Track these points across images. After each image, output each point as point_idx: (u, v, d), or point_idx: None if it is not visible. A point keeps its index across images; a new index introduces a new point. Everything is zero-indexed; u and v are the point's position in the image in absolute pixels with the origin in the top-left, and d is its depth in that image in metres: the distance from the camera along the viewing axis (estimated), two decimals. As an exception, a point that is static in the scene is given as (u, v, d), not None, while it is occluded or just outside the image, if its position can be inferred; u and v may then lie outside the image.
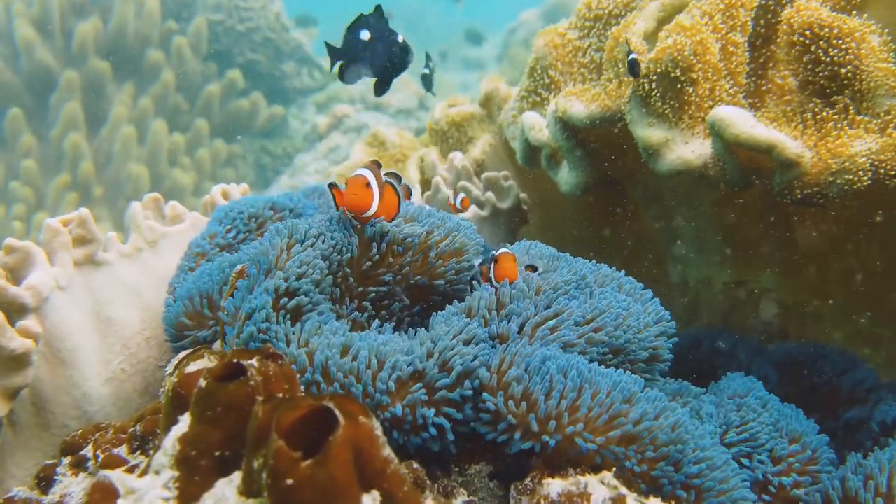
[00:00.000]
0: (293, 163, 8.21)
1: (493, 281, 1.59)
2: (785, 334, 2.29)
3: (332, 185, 1.69)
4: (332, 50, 2.05)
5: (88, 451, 1.79)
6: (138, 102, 7.49)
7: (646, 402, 1.34)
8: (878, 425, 1.88)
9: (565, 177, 2.41)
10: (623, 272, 1.77)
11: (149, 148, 7.33)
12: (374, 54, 2.04)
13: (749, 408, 1.63)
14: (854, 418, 1.93)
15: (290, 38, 8.99)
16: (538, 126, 2.41)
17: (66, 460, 1.79)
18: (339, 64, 2.07)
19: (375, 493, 1.09)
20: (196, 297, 1.69)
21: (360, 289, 1.65)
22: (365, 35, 2.02)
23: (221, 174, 8.05)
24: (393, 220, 1.65)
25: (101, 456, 1.73)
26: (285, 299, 1.52)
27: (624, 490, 1.32)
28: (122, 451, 1.71)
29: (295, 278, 1.53)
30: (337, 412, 1.06)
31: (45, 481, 1.76)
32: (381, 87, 2.10)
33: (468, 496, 1.50)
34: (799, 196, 1.80)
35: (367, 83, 2.13)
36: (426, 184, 3.08)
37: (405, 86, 8.08)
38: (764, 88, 2.19)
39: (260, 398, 1.21)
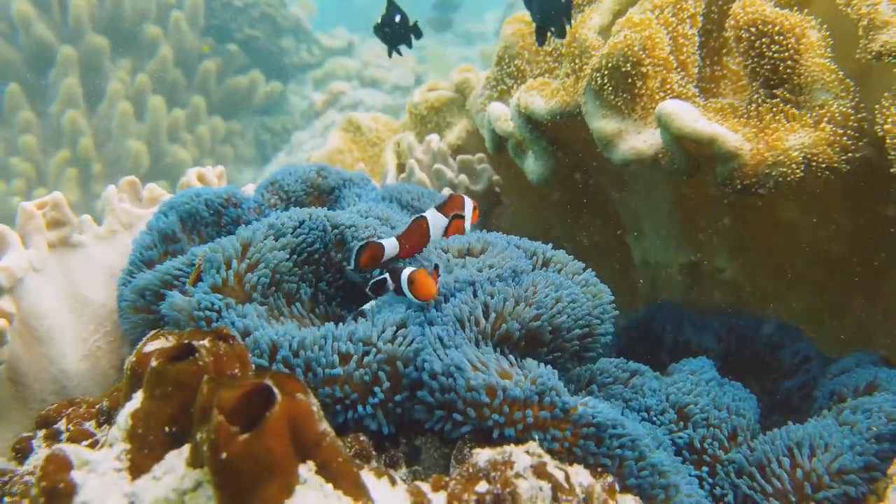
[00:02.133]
0: (291, 140, 8.27)
1: (411, 299, 1.58)
2: (738, 313, 2.37)
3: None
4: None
5: (62, 424, 1.90)
6: (136, 78, 7.53)
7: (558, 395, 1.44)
8: (819, 395, 1.98)
9: (531, 166, 2.48)
10: (565, 253, 1.84)
11: (148, 124, 7.39)
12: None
13: (688, 382, 1.74)
14: (792, 387, 2.04)
15: (288, 14, 8.99)
16: (504, 117, 2.48)
17: (41, 433, 1.89)
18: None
19: (311, 464, 1.17)
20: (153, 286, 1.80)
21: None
22: None
23: (221, 151, 8.11)
24: None
25: (72, 428, 1.83)
26: (234, 287, 1.63)
27: (546, 458, 1.41)
28: (91, 425, 1.81)
29: (247, 268, 1.65)
30: (275, 389, 1.14)
31: (21, 452, 1.86)
32: (562, 33, 2.07)
33: (412, 465, 1.61)
34: (739, 186, 1.87)
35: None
36: (403, 168, 3.15)
37: (400, 61, 8.10)
38: (718, 74, 2.26)
39: (208, 376, 1.30)
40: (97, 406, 1.84)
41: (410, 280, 1.55)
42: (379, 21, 2.61)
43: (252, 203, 2.20)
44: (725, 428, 1.66)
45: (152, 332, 1.85)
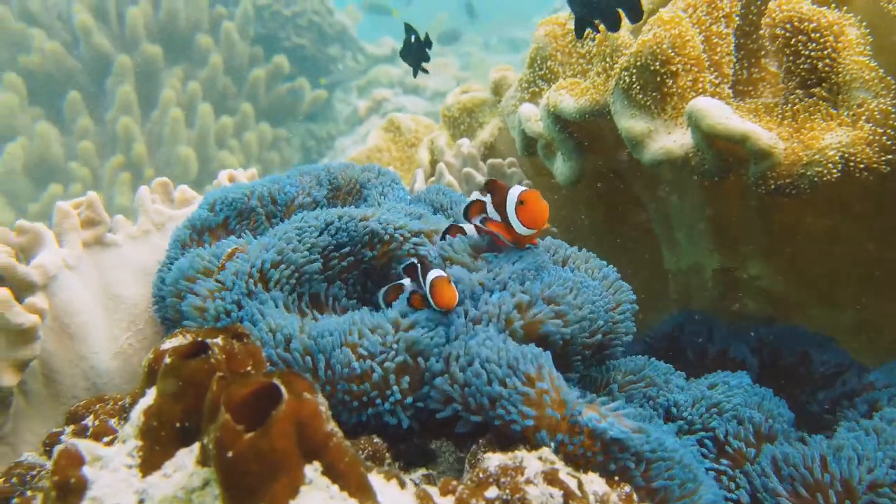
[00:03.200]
0: (335, 146, 8.37)
1: (432, 304, 1.54)
2: (771, 321, 2.29)
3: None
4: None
5: (89, 420, 1.93)
6: (188, 86, 7.73)
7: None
8: (853, 407, 1.89)
9: (560, 167, 2.44)
10: (586, 251, 1.80)
11: (197, 131, 7.57)
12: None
13: (722, 385, 1.68)
14: (827, 398, 1.96)
15: (334, 22, 9.12)
16: (534, 117, 2.45)
17: (70, 428, 1.92)
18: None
19: (317, 464, 1.16)
20: (182, 279, 1.81)
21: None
22: None
23: (268, 157, 8.26)
24: None
25: (98, 424, 1.86)
26: (258, 282, 1.63)
27: (559, 465, 1.38)
28: (115, 421, 1.84)
29: (271, 265, 1.65)
30: (282, 388, 1.14)
31: (51, 447, 1.90)
32: (615, 25, 2.05)
33: (427, 469, 1.58)
34: (772, 186, 1.80)
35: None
36: (436, 164, 3.15)
37: (443, 68, 8.13)
38: (756, 76, 2.18)
39: (219, 374, 1.30)
40: (121, 402, 1.87)
41: (431, 286, 1.52)
42: (402, 46, 2.85)
43: (294, 190, 2.19)
44: (755, 427, 1.60)
45: (174, 331, 1.89)
